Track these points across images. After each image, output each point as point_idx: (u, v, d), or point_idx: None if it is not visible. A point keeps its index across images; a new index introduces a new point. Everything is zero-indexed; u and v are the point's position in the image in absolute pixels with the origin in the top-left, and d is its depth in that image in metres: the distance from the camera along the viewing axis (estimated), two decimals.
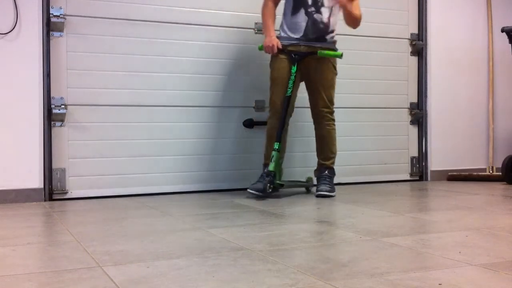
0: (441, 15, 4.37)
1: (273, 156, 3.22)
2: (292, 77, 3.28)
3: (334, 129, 3.44)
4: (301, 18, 3.30)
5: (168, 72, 3.59)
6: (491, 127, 4.53)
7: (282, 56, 3.32)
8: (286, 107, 3.28)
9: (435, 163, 4.37)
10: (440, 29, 4.37)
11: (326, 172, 3.43)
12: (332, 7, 3.32)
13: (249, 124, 3.76)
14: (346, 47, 4.09)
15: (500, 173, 4.05)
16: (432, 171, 4.36)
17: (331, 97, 3.40)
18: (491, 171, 4.41)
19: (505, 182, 4.02)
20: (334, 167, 3.48)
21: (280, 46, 3.28)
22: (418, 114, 4.34)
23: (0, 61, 3.15)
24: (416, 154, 4.37)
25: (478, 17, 4.52)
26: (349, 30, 4.07)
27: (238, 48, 3.71)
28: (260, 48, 3.39)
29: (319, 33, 3.32)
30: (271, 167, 3.20)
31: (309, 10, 3.29)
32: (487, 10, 4.54)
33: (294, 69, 3.29)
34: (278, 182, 3.23)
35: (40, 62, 3.22)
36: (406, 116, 4.33)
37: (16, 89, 3.18)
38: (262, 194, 3.15)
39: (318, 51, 3.28)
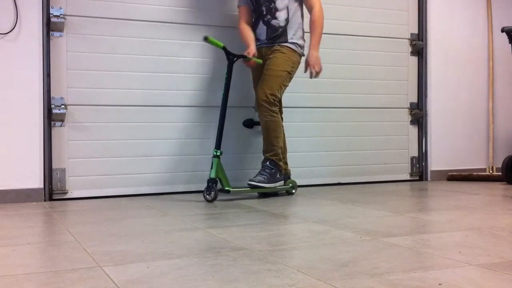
0: (441, 15, 4.37)
1: (212, 163, 3.17)
2: (225, 81, 3.30)
3: (274, 121, 3.29)
4: (262, 28, 3.43)
5: (169, 72, 3.59)
6: (491, 127, 4.53)
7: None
8: (223, 111, 3.28)
9: (435, 163, 4.37)
10: (440, 29, 4.37)
11: (267, 163, 3.34)
12: (287, 6, 3.36)
13: (249, 124, 3.76)
14: (346, 47, 4.10)
15: (500, 173, 4.05)
16: (432, 171, 4.36)
17: (272, 88, 3.29)
18: (491, 171, 4.41)
19: (505, 182, 4.02)
20: (279, 161, 3.36)
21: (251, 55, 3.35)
22: (418, 114, 4.33)
23: (0, 61, 3.15)
24: (416, 154, 4.37)
25: (478, 17, 4.52)
26: (350, 30, 4.10)
27: (238, 48, 3.70)
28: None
29: (280, 35, 3.38)
30: (212, 174, 3.15)
31: (265, 19, 3.40)
32: (487, 10, 4.54)
33: (226, 72, 3.32)
34: (227, 188, 3.17)
35: (40, 62, 3.22)
36: (406, 116, 4.33)
37: (16, 89, 3.18)
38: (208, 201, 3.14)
39: (208, 38, 3.16)
